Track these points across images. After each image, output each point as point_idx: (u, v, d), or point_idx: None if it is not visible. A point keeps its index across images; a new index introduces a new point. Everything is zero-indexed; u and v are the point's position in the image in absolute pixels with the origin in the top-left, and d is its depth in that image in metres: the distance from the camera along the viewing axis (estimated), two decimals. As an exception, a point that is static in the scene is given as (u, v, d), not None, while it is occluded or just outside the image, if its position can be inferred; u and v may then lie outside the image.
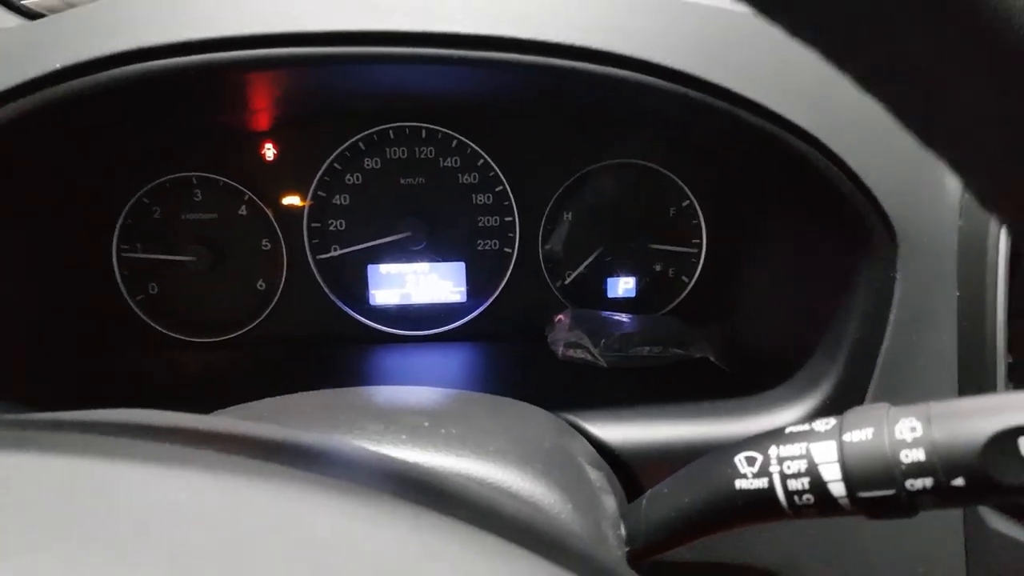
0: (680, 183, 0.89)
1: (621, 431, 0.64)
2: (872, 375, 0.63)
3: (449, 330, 0.92)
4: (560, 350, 0.80)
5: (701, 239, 0.90)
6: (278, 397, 0.51)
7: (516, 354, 0.87)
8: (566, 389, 0.74)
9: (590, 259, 0.91)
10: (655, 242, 0.90)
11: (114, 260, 0.87)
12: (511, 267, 0.91)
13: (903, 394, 0.64)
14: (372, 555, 0.27)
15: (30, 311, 0.76)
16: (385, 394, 0.52)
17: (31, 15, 0.95)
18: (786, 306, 0.75)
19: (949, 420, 0.38)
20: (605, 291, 0.92)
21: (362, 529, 0.28)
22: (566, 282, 0.92)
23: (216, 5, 0.51)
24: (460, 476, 0.41)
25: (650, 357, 0.77)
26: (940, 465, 0.37)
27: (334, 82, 0.65)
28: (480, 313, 0.92)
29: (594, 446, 0.63)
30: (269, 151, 0.87)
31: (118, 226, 0.86)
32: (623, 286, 0.92)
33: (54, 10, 0.93)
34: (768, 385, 0.68)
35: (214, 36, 0.48)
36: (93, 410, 0.35)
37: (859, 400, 0.64)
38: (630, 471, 0.63)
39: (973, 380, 0.63)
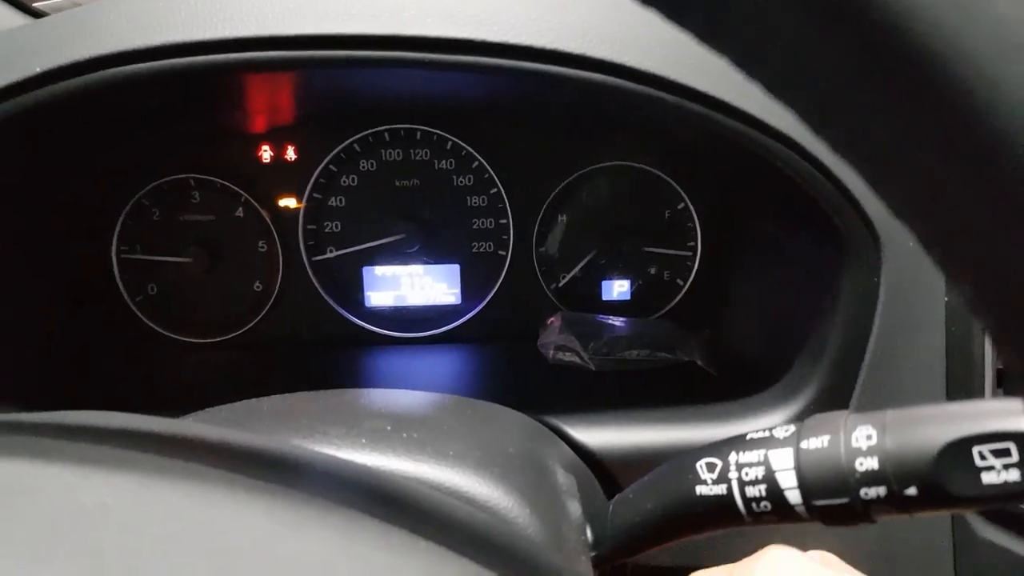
0: (675, 186, 0.89)
1: (603, 435, 0.64)
2: (856, 381, 0.62)
3: (443, 332, 0.92)
4: (550, 353, 0.80)
5: (696, 242, 0.90)
6: (250, 400, 0.52)
7: (508, 357, 0.87)
8: (553, 392, 0.74)
9: (584, 262, 0.90)
10: (650, 245, 0.90)
11: (113, 261, 0.88)
12: (505, 269, 0.91)
13: (889, 400, 0.63)
14: (298, 563, 0.27)
15: (29, 312, 0.77)
16: (355, 397, 0.53)
17: (36, 14, 0.97)
18: (773, 311, 0.75)
19: (904, 428, 0.38)
20: (600, 294, 0.92)
21: (293, 536, 0.28)
22: (560, 285, 0.92)
23: (194, 10, 0.52)
24: (414, 480, 0.41)
25: (638, 360, 0.76)
26: (893, 474, 0.37)
27: (316, 85, 0.66)
28: (474, 315, 0.92)
29: (575, 450, 0.63)
30: (266, 153, 0.88)
31: (117, 227, 0.88)
32: (617, 289, 0.92)
33: (59, 9, 0.95)
34: (754, 390, 0.68)
35: (182, 40, 0.49)
36: (52, 412, 0.36)
37: (843, 406, 0.63)
38: (611, 475, 0.63)
39: (961, 386, 0.62)
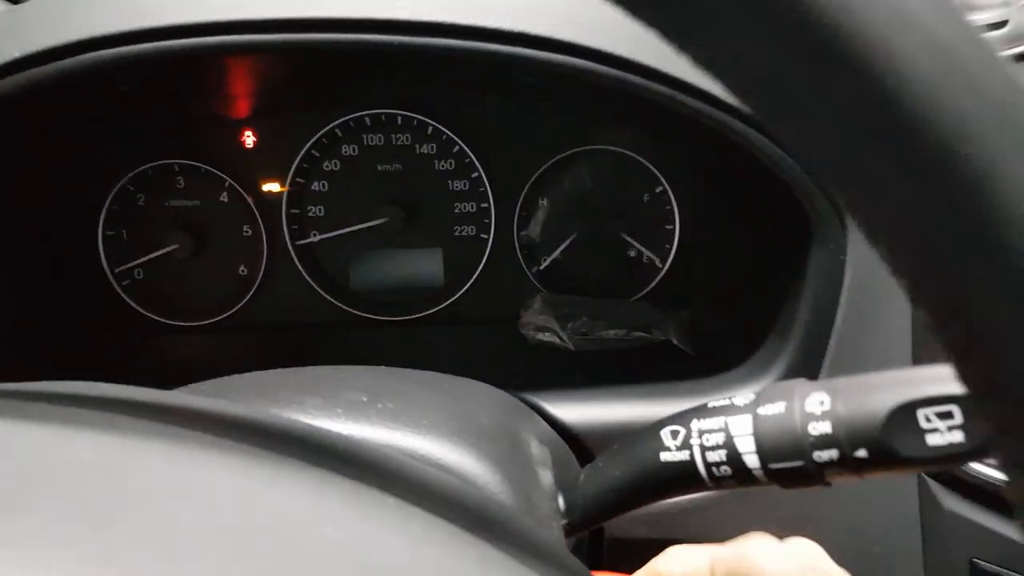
0: (653, 170, 0.90)
1: (579, 411, 0.66)
2: (824, 357, 0.64)
3: (427, 315, 0.94)
4: (531, 334, 0.82)
5: (674, 225, 0.92)
6: (233, 376, 0.53)
7: (491, 337, 0.89)
8: (532, 371, 0.76)
9: (565, 244, 0.92)
10: (629, 228, 0.92)
11: (100, 246, 0.89)
12: (487, 253, 0.93)
13: (855, 374, 0.65)
14: (274, 516, 0.28)
15: (15, 295, 0.78)
16: (334, 372, 0.54)
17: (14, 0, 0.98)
18: (746, 291, 0.77)
19: (854, 394, 0.40)
20: (580, 276, 0.94)
21: (272, 494, 0.30)
22: (542, 267, 0.93)
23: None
24: (387, 447, 0.43)
25: (616, 340, 0.78)
26: (844, 437, 0.39)
27: (297, 69, 0.67)
28: (457, 298, 0.93)
29: (553, 426, 0.65)
30: (249, 138, 0.89)
31: (103, 213, 0.89)
32: (597, 271, 0.93)
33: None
34: (726, 367, 0.70)
35: (161, 24, 0.50)
36: (40, 382, 0.38)
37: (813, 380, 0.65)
38: (587, 449, 0.65)
39: (927, 360, 0.64)
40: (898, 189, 0.18)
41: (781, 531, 0.66)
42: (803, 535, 0.67)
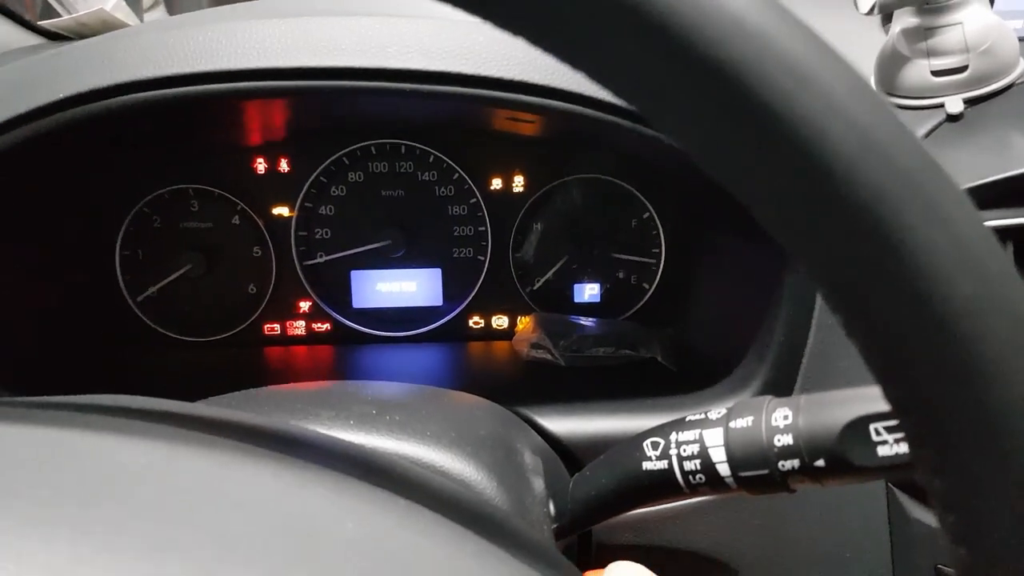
0: (641, 197, 0.95)
1: (569, 424, 0.70)
2: (798, 374, 0.69)
3: (426, 332, 0.98)
4: (524, 350, 0.87)
5: (660, 249, 0.97)
6: (251, 390, 0.58)
7: (486, 354, 0.94)
8: (526, 386, 0.81)
9: (557, 266, 0.97)
10: (618, 251, 0.97)
11: (117, 265, 0.94)
12: (484, 273, 0.98)
13: (827, 390, 0.69)
14: (301, 514, 0.33)
15: (37, 311, 0.83)
16: (344, 387, 0.59)
17: (49, 35, 1.03)
18: (727, 311, 0.82)
19: (814, 409, 0.44)
20: (572, 296, 0.99)
21: (295, 492, 0.34)
22: (535, 288, 0.98)
23: (202, 44, 0.58)
24: (395, 455, 0.47)
25: (604, 357, 0.83)
26: (805, 449, 0.43)
27: (309, 108, 0.72)
28: (456, 316, 0.98)
29: (545, 437, 0.69)
30: (260, 165, 0.94)
31: (121, 234, 0.93)
32: (588, 292, 0.98)
33: (67, 29, 1.01)
34: (706, 383, 0.74)
35: (192, 71, 0.55)
36: (71, 396, 0.42)
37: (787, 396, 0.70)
38: (577, 460, 0.70)
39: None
40: (829, 238, 0.23)
41: (758, 537, 0.71)
42: (779, 542, 0.72)
